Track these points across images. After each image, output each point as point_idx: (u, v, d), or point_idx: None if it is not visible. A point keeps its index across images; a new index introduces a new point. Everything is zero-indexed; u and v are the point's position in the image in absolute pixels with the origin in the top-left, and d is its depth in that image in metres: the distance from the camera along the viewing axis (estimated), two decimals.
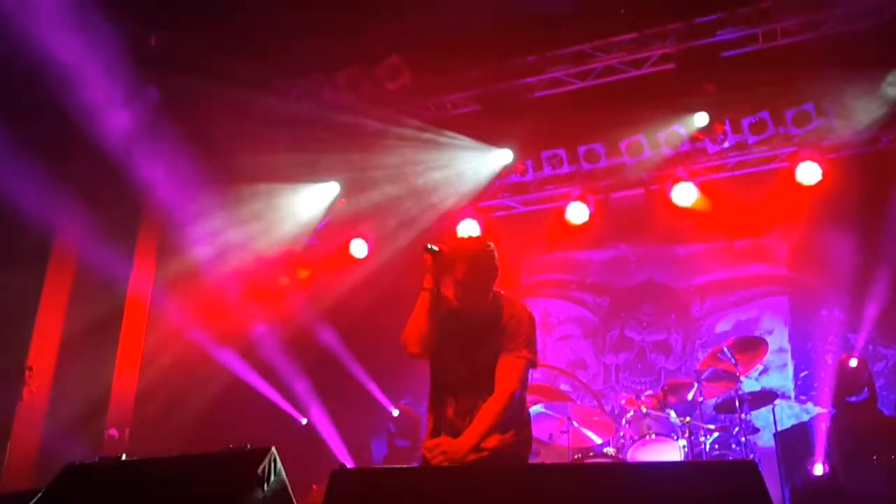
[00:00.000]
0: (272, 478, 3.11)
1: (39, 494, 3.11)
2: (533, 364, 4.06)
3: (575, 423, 7.08)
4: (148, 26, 8.28)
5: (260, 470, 3.05)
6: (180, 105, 8.72)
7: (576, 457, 6.98)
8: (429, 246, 4.00)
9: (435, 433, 4.04)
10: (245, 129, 8.77)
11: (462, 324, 4.11)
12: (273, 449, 3.19)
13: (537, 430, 7.23)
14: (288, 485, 3.25)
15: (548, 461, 7.35)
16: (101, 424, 8.15)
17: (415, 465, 8.33)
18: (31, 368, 7.62)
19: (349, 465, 9.10)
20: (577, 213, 9.24)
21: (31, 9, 6.89)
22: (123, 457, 3.46)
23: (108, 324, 8.66)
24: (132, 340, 8.82)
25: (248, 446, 3.20)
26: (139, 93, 8.32)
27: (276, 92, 9.01)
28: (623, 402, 7.57)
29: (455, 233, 9.48)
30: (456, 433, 3.91)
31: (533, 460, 7.26)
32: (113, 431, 8.04)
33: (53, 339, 8.28)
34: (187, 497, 3.01)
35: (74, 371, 8.26)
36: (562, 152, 9.27)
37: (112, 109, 7.82)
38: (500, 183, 9.77)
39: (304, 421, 9.55)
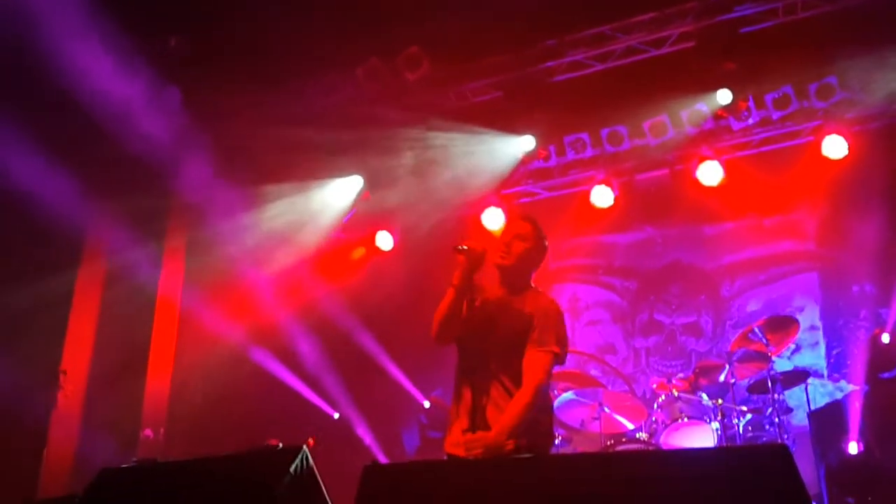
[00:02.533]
0: (305, 475, 3.12)
1: (77, 500, 3.15)
2: (559, 358, 4.09)
3: (606, 409, 7.05)
4: (167, 29, 8.33)
5: (293, 468, 3.07)
6: (202, 105, 8.77)
7: (608, 443, 6.94)
8: (458, 246, 4.06)
9: (467, 425, 4.05)
10: (268, 126, 8.80)
11: (491, 313, 4.17)
12: (305, 447, 3.21)
13: (569, 417, 7.25)
14: (321, 481, 3.26)
15: (580, 448, 7.34)
16: (135, 425, 8.26)
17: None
18: (65, 372, 7.74)
19: (381, 457, 9.15)
20: (602, 196, 9.16)
21: (52, 19, 6.97)
22: (158, 459, 3.50)
23: (140, 325, 8.78)
24: (164, 341, 8.93)
25: (280, 445, 3.22)
26: (162, 95, 8.39)
27: (297, 88, 9.04)
28: (654, 386, 7.53)
29: (479, 221, 9.46)
30: (479, 415, 3.94)
31: (565, 448, 7.29)
32: (148, 432, 8.14)
33: (86, 342, 8.41)
34: (221, 497, 3.03)
35: (108, 373, 8.39)
36: (584, 136, 9.21)
37: (136, 112, 7.90)
38: (524, 169, 9.73)
39: (336, 415, 9.59)
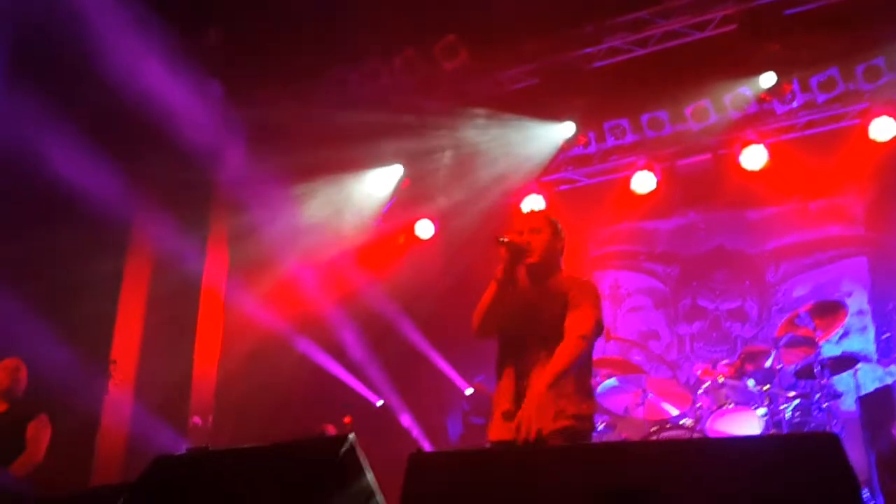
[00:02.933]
0: (353, 463, 3.16)
1: (130, 487, 3.22)
2: (601, 325, 4.09)
3: (650, 396, 7.04)
4: (206, 22, 8.43)
5: (341, 456, 3.10)
6: (243, 98, 8.87)
7: (652, 429, 6.91)
8: (501, 239, 4.08)
9: (509, 410, 4.05)
10: (308, 116, 8.86)
11: (529, 299, 4.21)
12: (352, 435, 3.24)
13: (612, 404, 7.24)
14: (369, 468, 3.29)
15: (624, 434, 7.32)
16: (184, 413, 8.41)
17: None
18: (114, 362, 7.90)
19: (424, 444, 9.21)
20: (643, 182, 9.09)
21: (95, 14, 7.10)
22: (210, 447, 3.58)
23: (186, 314, 8.94)
24: (210, 329, 9.08)
25: (327, 431, 3.28)
26: (203, 88, 8.49)
27: (336, 78, 9.09)
28: (699, 372, 7.47)
29: (520, 209, 9.45)
30: (521, 401, 3.93)
31: (609, 434, 7.28)
32: (196, 419, 8.28)
33: (135, 331, 8.58)
34: (271, 485, 3.09)
35: (156, 362, 8.55)
36: (625, 122, 9.13)
37: (179, 105, 8.00)
38: (563, 156, 9.67)
39: (379, 402, 9.67)
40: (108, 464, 7.93)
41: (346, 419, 7.77)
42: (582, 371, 4.16)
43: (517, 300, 4.19)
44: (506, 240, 4.08)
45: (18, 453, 5.89)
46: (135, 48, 7.45)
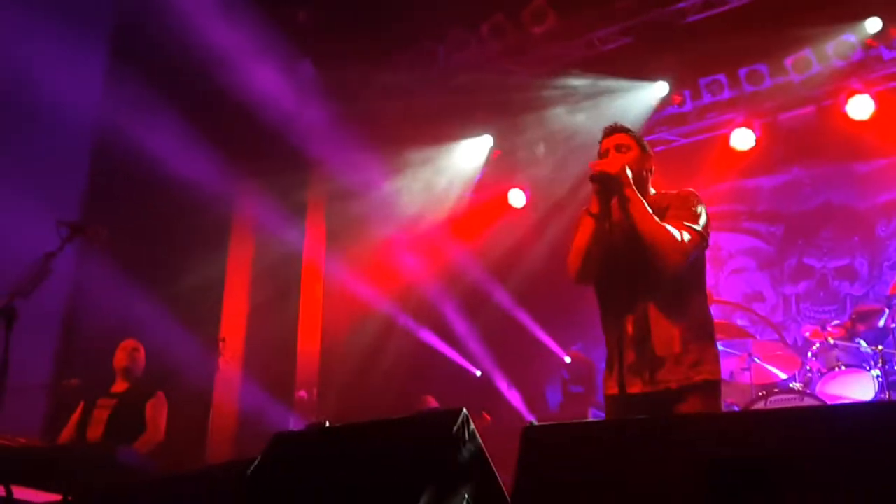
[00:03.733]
0: (467, 438, 3.18)
1: (254, 464, 3.31)
2: (704, 238, 3.77)
3: (756, 360, 6.85)
4: (295, 3, 8.52)
5: (454, 430, 3.12)
6: (335, 76, 8.94)
7: (760, 394, 6.76)
8: (592, 175, 3.75)
9: (609, 367, 3.82)
10: (397, 91, 8.88)
11: (629, 237, 3.76)
12: (464, 409, 3.25)
13: None
14: (481, 443, 3.31)
15: (730, 400, 7.18)
16: (290, 387, 8.64)
17: (592, 410, 8.42)
18: (224, 340, 8.15)
19: (525, 414, 9.23)
20: (743, 139, 8.82)
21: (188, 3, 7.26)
22: (327, 423, 3.66)
23: (289, 290, 9.17)
24: (311, 305, 9.28)
25: (428, 403, 3.30)
26: (295, 69, 8.61)
27: (423, 51, 9.08)
28: (807, 334, 7.25)
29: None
30: (646, 346, 3.66)
31: None
32: (302, 393, 8.50)
33: (241, 309, 8.84)
34: (389, 460, 3.13)
35: (262, 338, 8.80)
36: (721, 77, 8.86)
37: (273, 89, 8.14)
38: (657, 116, 9.45)
39: (478, 373, 9.73)
40: (221, 439, 8.22)
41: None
42: (702, 302, 3.85)
43: (612, 238, 3.75)
44: (596, 173, 3.72)
45: (139, 431, 6.09)
46: (229, 32, 7.58)
